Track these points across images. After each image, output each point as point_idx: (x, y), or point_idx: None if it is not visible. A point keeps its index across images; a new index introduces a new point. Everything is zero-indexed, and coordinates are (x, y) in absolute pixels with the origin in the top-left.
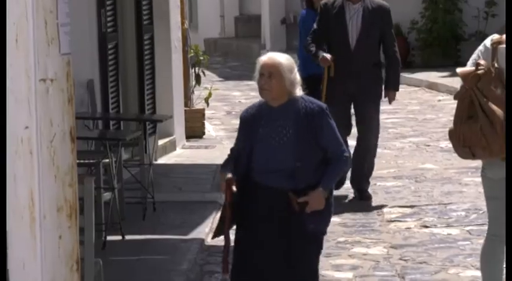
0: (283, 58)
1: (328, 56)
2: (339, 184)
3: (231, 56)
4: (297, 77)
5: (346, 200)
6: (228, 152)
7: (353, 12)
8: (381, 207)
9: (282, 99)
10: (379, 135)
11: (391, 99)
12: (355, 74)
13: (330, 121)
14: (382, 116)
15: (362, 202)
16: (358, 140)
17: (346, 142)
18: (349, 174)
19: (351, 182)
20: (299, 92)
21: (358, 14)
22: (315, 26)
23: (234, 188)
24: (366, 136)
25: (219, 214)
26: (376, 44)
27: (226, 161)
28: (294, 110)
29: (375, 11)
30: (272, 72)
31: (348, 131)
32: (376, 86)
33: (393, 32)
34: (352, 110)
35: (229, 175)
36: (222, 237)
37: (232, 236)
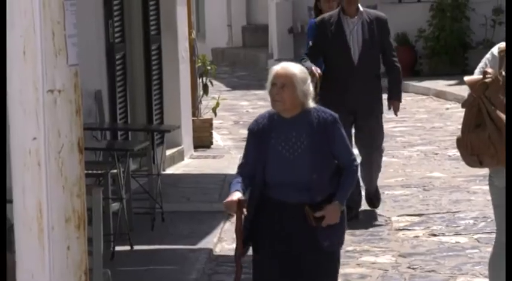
0: (297, 69)
1: (316, 70)
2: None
3: (239, 65)
4: (310, 88)
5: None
6: (237, 163)
7: (352, 26)
8: (389, 216)
9: (295, 110)
10: (384, 148)
11: (396, 110)
12: (357, 88)
13: (341, 131)
14: (389, 125)
15: (370, 211)
16: (362, 155)
17: None
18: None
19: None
20: (312, 103)
21: (358, 28)
22: (310, 43)
23: (245, 211)
24: (369, 151)
25: (227, 224)
26: (377, 56)
27: (236, 180)
28: (307, 121)
29: (374, 22)
30: (285, 83)
31: None
32: (379, 99)
33: (391, 41)
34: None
35: (240, 195)
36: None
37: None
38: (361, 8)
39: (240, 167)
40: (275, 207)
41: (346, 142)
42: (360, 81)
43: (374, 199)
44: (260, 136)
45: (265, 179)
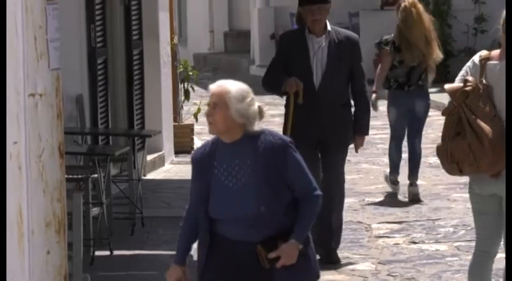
0: (234, 86)
1: (294, 79)
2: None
3: (221, 71)
4: (253, 109)
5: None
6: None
7: (317, 46)
8: (369, 223)
9: (235, 134)
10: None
11: (358, 146)
12: (321, 117)
13: (295, 156)
14: (371, 132)
15: (350, 218)
16: (322, 190)
17: None
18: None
19: (316, 242)
20: (258, 126)
21: (324, 48)
22: (273, 60)
23: None
24: (330, 185)
25: None
26: (344, 82)
27: (184, 232)
28: (251, 146)
29: (343, 43)
30: (217, 102)
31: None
32: (345, 131)
33: (362, 67)
34: None
35: (179, 273)
36: None
37: None
38: (329, 27)
39: (187, 213)
40: (225, 247)
41: (302, 169)
42: (323, 110)
43: (333, 239)
44: (203, 166)
45: (212, 216)
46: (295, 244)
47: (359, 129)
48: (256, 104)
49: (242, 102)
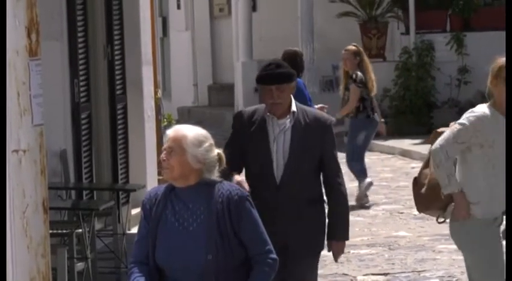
0: (191, 131)
1: (241, 181)
2: None
3: (205, 124)
4: (211, 155)
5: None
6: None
7: (278, 129)
8: (354, 275)
9: (189, 179)
10: None
11: (336, 255)
12: (283, 217)
13: (252, 212)
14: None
15: (336, 269)
16: None
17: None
18: None
19: None
20: (215, 175)
21: (286, 133)
22: (228, 139)
23: None
24: None
25: None
26: (312, 174)
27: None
28: (207, 193)
29: (311, 127)
30: (173, 147)
31: None
32: (316, 235)
33: (336, 156)
34: None
35: None
36: None
37: None
38: (294, 107)
39: (134, 254)
40: None
41: (257, 227)
42: (286, 208)
43: None
44: (153, 211)
45: (158, 263)
46: None
47: (334, 233)
48: (216, 151)
49: (199, 147)
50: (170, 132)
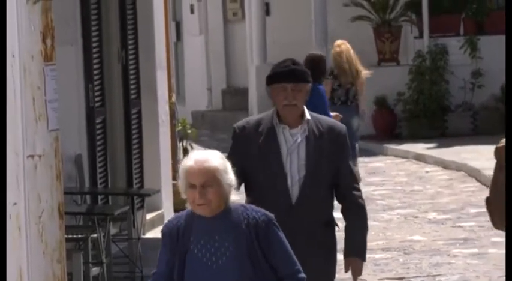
0: (215, 159)
1: None
2: None
3: (219, 128)
4: (233, 176)
5: None
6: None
7: (292, 141)
8: (369, 279)
9: (220, 207)
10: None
11: (356, 275)
12: (297, 240)
13: (279, 235)
14: (370, 188)
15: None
16: None
17: None
18: None
19: None
20: (234, 195)
21: (301, 145)
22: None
23: None
24: None
25: None
26: (328, 191)
27: None
28: (233, 220)
29: (326, 138)
30: (206, 181)
31: None
32: (329, 259)
33: (352, 167)
34: None
35: None
36: None
37: None
38: (307, 115)
39: (155, 277)
40: None
41: (285, 248)
42: (300, 229)
43: None
44: (176, 241)
45: None
46: None
47: (352, 251)
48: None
49: (229, 174)
50: (193, 164)
